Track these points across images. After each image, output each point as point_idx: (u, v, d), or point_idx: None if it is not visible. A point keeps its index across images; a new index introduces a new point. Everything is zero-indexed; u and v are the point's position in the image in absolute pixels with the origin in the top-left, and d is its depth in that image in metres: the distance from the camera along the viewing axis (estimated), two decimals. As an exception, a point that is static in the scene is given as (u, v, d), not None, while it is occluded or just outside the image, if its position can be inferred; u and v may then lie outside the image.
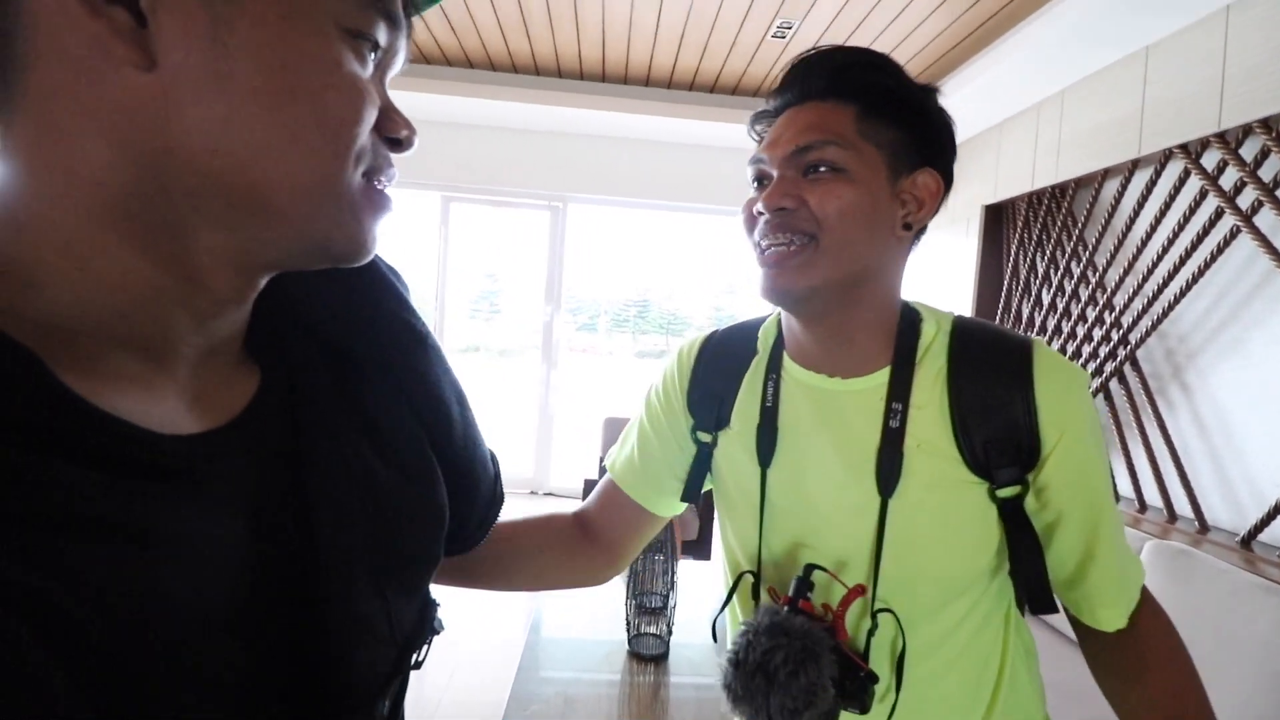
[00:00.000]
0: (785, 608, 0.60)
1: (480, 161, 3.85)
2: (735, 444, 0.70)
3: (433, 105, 3.51)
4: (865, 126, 0.60)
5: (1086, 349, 2.58)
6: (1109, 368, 2.46)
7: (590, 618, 1.90)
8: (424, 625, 0.42)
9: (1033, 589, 0.61)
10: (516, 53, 3.18)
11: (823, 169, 0.60)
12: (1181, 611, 1.65)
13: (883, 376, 0.64)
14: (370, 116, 0.34)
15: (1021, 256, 3.04)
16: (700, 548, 2.78)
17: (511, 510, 0.62)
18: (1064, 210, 2.78)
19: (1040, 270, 2.89)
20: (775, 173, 0.62)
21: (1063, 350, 2.71)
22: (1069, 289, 2.70)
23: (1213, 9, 2.03)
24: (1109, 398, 2.50)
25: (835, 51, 0.63)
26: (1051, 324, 2.78)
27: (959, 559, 0.62)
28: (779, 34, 2.83)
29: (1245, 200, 1.95)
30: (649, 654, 1.58)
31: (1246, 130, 1.94)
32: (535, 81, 3.42)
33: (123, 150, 0.29)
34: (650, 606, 1.63)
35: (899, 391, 0.62)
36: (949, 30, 2.68)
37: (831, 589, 0.62)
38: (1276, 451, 1.88)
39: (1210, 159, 2.08)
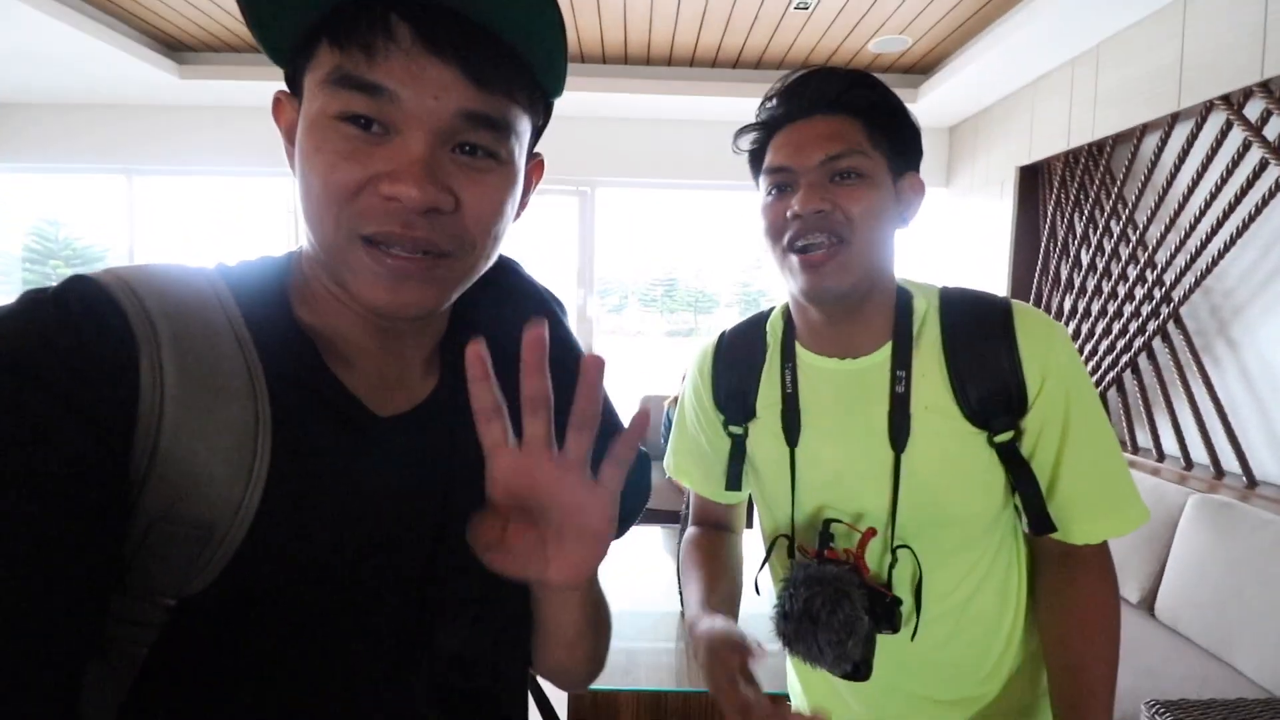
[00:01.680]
0: (814, 560, 0.69)
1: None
2: (764, 431, 0.78)
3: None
4: (873, 137, 0.68)
5: (1128, 308, 2.55)
6: (1152, 326, 2.44)
7: (635, 591, 1.99)
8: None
9: (1031, 511, 0.69)
10: (538, 41, 3.22)
11: (850, 175, 0.67)
12: (1228, 563, 1.67)
13: (886, 351, 0.72)
14: (337, 184, 0.37)
15: (1059, 217, 2.99)
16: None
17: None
18: (1102, 168, 2.73)
19: (1078, 230, 2.85)
20: (802, 179, 0.67)
21: (1104, 310, 2.68)
22: (1108, 248, 2.66)
23: (1255, -49, 1.97)
24: (1152, 356, 2.48)
25: (835, 72, 0.70)
26: (1091, 284, 2.75)
27: (970, 500, 0.71)
28: (801, 6, 2.80)
29: (1292, 149, 1.91)
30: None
31: (1292, 76, 1.89)
32: (558, 68, 3.46)
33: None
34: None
35: (901, 361, 0.71)
36: (976, -10, 2.63)
37: (852, 536, 0.72)
38: (1327, 404, 1.86)
39: (1254, 109, 2.03)
